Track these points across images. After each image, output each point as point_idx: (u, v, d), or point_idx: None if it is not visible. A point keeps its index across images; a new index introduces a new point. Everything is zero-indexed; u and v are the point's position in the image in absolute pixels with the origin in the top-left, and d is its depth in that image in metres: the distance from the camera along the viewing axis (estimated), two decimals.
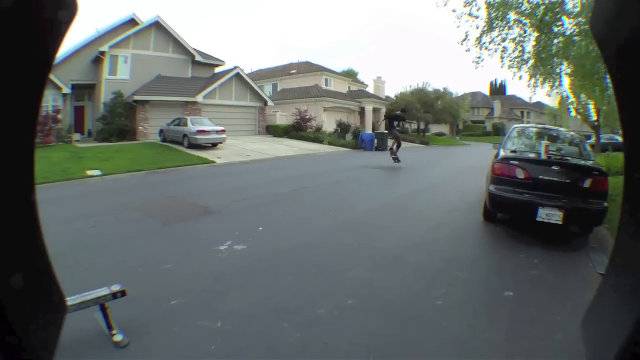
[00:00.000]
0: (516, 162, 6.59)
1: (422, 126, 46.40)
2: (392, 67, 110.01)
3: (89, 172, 14.51)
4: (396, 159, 16.53)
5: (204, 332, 3.17)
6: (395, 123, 17.02)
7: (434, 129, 53.22)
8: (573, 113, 27.00)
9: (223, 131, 21.36)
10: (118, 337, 2.98)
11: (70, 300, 2.80)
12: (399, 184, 12.57)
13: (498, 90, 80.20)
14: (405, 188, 11.65)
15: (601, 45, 0.62)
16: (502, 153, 7.04)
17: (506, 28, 11.50)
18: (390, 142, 17.74)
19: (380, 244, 5.73)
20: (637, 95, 0.56)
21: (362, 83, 47.28)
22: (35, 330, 0.59)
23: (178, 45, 27.90)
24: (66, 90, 24.80)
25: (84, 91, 27.16)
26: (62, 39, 0.64)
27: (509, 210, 6.78)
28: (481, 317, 3.80)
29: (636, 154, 0.60)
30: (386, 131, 22.76)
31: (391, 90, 54.96)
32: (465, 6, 11.76)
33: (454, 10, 12.21)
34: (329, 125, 32.01)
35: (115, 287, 3.09)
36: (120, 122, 24.29)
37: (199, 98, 25.91)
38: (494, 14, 11.21)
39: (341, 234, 6.17)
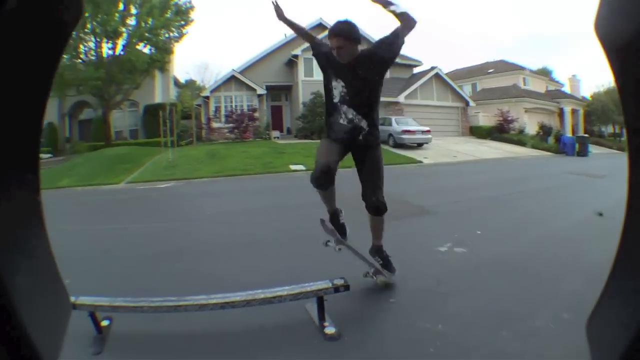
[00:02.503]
0: None
1: (617, 130, 42.03)
2: (585, 63, 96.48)
3: (292, 167, 15.35)
4: None
5: (423, 334, 2.96)
6: None
7: None
8: None
9: (429, 131, 20.91)
10: (330, 330, 2.84)
11: (289, 290, 2.87)
12: (610, 194, 11.03)
13: None
14: (619, 197, 9.06)
15: (605, 46, 0.61)
16: None
17: None
18: None
19: (596, 258, 4.77)
20: None
21: (558, 82, 44.50)
22: (40, 328, 0.59)
23: None
24: (260, 91, 26.65)
25: (280, 92, 28.94)
26: (67, 40, 0.66)
27: None
28: None
29: None
30: (586, 135, 21.89)
31: (586, 90, 48.24)
32: None
33: None
34: (529, 127, 30.95)
35: (338, 281, 3.01)
36: (321, 121, 24.38)
37: (401, 98, 25.40)
38: None
39: (555, 244, 5.62)
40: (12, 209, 0.57)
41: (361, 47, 3.22)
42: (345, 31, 3.11)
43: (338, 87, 3.31)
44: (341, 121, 3.34)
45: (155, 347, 2.90)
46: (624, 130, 0.65)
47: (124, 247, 5.85)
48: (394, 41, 3.07)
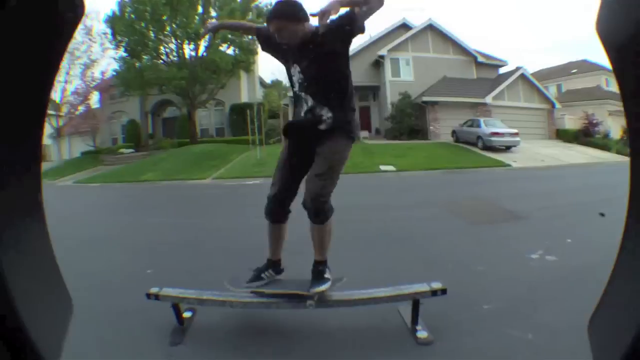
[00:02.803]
0: None
1: None
2: None
3: (382, 167, 15.02)
4: None
5: (513, 343, 2.84)
6: None
7: None
8: None
9: (517, 134, 20.20)
10: (422, 334, 2.75)
11: (386, 292, 2.84)
12: None
13: None
14: None
15: (606, 45, 0.61)
16: None
17: None
18: None
19: None
20: None
21: None
22: (41, 328, 0.59)
23: (457, 46, 27.56)
24: None
25: (367, 92, 28.66)
26: (70, 39, 0.66)
27: None
28: None
29: None
30: None
31: None
32: None
33: None
34: (613, 131, 28.98)
35: (436, 285, 2.87)
36: (410, 121, 24.80)
37: (488, 99, 24.76)
38: None
39: None
40: (12, 210, 0.57)
41: (311, 25, 2.73)
42: (281, 11, 2.64)
43: (296, 73, 2.85)
44: (302, 113, 2.83)
45: (237, 343, 2.91)
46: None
47: (211, 241, 5.95)
48: (352, 16, 2.57)
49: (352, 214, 6.79)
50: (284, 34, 2.65)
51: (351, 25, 2.57)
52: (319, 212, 2.75)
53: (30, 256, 0.62)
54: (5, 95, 0.53)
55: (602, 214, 6.39)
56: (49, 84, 0.63)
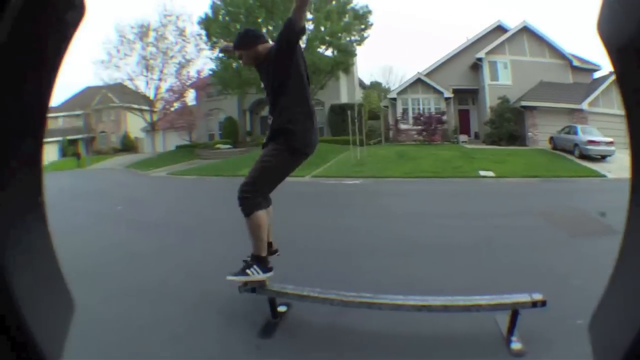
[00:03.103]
0: None
1: None
2: None
3: (481, 173, 14.83)
4: None
5: None
6: None
7: None
8: None
9: (612, 143, 19.33)
10: (516, 345, 2.77)
11: (488, 300, 2.80)
12: None
13: None
14: None
15: (607, 46, 0.60)
16: None
17: None
18: None
19: None
20: None
21: None
22: (43, 328, 0.60)
23: (553, 49, 26.82)
24: (447, 94, 26.51)
25: (466, 95, 28.51)
26: (70, 40, 0.64)
27: None
28: None
29: None
30: None
31: None
32: None
33: None
34: None
35: (537, 296, 2.83)
36: (509, 126, 24.37)
37: (584, 105, 23.77)
38: None
39: None
40: (14, 210, 0.57)
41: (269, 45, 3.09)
42: (237, 42, 3.11)
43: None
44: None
45: (326, 342, 2.95)
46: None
47: (310, 239, 5.96)
48: (286, 24, 2.78)
49: (455, 220, 7.10)
50: (245, 60, 3.13)
51: (288, 32, 2.78)
52: (240, 202, 2.88)
53: (32, 256, 0.62)
54: (5, 96, 0.53)
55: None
56: (50, 85, 0.63)
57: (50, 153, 42.07)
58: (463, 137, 26.16)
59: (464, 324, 2.99)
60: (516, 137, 24.19)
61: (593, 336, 0.69)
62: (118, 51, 33.70)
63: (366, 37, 27.07)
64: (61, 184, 17.17)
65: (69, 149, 41.21)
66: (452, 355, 2.75)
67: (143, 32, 33.69)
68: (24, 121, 0.59)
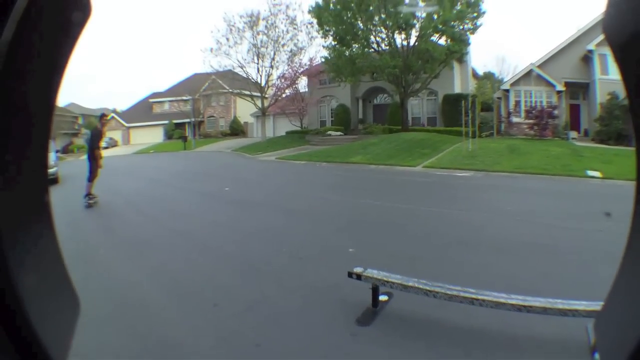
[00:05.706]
0: None
1: None
2: None
3: (588, 173, 14.14)
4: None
5: None
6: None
7: None
8: None
9: None
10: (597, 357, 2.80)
11: (586, 306, 2.74)
12: None
13: None
14: None
15: (614, 47, 0.60)
16: None
17: None
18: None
19: None
20: None
21: None
22: (49, 328, 0.60)
23: None
24: (559, 87, 25.26)
25: (577, 89, 26.85)
26: (76, 40, 0.64)
27: None
28: None
29: None
30: None
31: None
32: None
33: None
34: None
35: None
36: (618, 124, 22.51)
37: None
38: None
39: None
40: (20, 210, 0.57)
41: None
42: None
43: None
44: None
45: (423, 335, 2.94)
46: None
47: (418, 228, 6.10)
48: None
49: (561, 221, 6.89)
50: None
51: None
52: None
53: (38, 256, 0.61)
54: (11, 95, 0.53)
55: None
56: (56, 85, 0.62)
57: (156, 135, 45.87)
58: (573, 134, 24.96)
59: (557, 329, 2.92)
60: (624, 137, 22.16)
61: (598, 336, 0.68)
62: (227, 40, 34.53)
63: (479, 26, 25.73)
64: (173, 165, 18.58)
65: (175, 132, 44.36)
66: (539, 357, 2.73)
67: (253, 21, 34.17)
68: (30, 121, 0.59)
